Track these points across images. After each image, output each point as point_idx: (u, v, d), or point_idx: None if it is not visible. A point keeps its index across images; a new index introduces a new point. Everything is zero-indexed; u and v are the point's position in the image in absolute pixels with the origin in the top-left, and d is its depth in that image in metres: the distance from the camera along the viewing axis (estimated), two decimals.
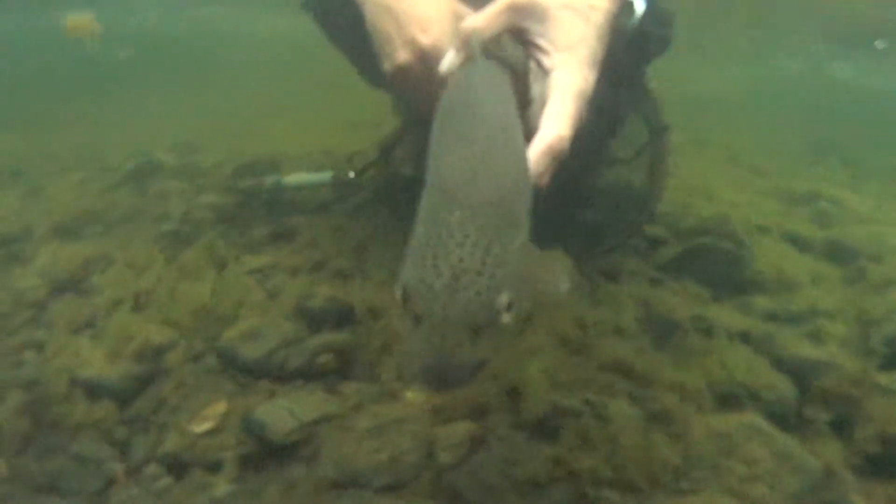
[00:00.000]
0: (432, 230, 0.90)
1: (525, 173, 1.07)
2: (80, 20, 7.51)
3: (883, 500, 1.63)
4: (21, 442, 1.75)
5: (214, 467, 1.65)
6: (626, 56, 1.95)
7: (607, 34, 1.34)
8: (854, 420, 1.84)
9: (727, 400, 1.89)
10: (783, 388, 1.92)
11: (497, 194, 0.93)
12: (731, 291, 2.50)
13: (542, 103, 1.22)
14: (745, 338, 2.17)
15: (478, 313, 0.83)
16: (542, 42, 1.29)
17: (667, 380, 1.89)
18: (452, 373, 0.84)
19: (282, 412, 1.73)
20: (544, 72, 1.27)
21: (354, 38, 1.69)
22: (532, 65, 1.33)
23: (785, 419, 1.84)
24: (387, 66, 1.48)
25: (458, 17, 1.38)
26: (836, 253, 3.03)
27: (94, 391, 1.90)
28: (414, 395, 1.79)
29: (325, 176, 3.02)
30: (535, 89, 1.30)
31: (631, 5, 1.51)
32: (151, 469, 1.66)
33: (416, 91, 1.44)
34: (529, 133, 1.17)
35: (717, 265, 2.58)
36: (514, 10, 1.30)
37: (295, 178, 3.09)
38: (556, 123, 1.16)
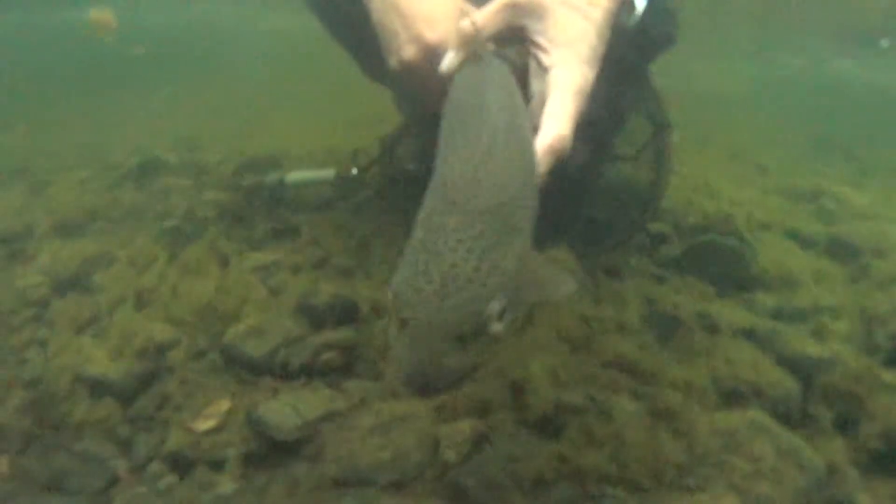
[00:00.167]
0: (429, 233, 0.90)
1: (531, 177, 1.05)
2: (101, 15, 7.52)
3: (887, 497, 1.63)
4: (24, 440, 1.75)
5: (218, 465, 1.65)
6: (628, 53, 1.94)
7: (607, 31, 1.33)
8: (858, 417, 1.84)
9: (731, 397, 1.88)
10: (787, 385, 1.92)
11: (498, 200, 0.92)
12: (734, 288, 2.50)
13: (542, 101, 1.22)
14: (749, 335, 2.17)
15: (465, 321, 0.83)
16: (540, 39, 1.28)
17: (671, 377, 1.88)
18: (435, 379, 0.83)
19: (285, 410, 1.73)
20: (543, 69, 1.26)
21: (357, 35, 1.68)
22: (531, 63, 1.32)
23: (789, 416, 1.84)
24: (393, 62, 1.47)
25: (464, 14, 1.37)
26: (840, 250, 3.02)
27: (96, 389, 1.90)
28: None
29: (328, 173, 3.02)
30: (535, 87, 1.29)
31: (632, 2, 1.50)
32: (155, 467, 1.66)
33: (422, 88, 1.43)
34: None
35: (721, 262, 2.57)
36: (512, 7, 1.29)
37: (297, 175, 3.09)
38: (556, 122, 1.16)
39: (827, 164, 5.95)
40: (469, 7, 1.45)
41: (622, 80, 2.20)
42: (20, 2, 13.78)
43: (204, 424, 1.74)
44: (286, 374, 1.93)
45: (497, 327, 0.85)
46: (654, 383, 1.86)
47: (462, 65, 1.29)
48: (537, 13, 1.28)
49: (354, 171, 2.93)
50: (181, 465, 1.66)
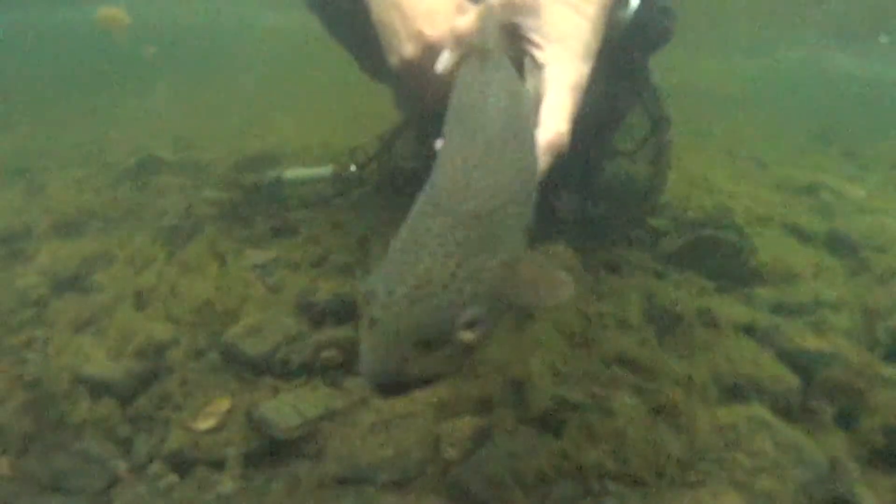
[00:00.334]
0: (411, 235, 0.89)
1: (529, 181, 1.04)
2: (111, 11, 7.48)
3: (888, 492, 1.63)
4: (24, 441, 1.75)
5: (219, 465, 1.64)
6: (626, 48, 1.94)
7: (601, 27, 1.33)
8: (859, 412, 1.84)
9: (732, 392, 1.88)
10: (788, 380, 1.92)
11: (487, 206, 0.90)
12: (734, 283, 2.50)
13: (538, 98, 1.21)
14: (749, 330, 2.17)
15: (431, 328, 0.81)
16: (534, 36, 1.28)
17: (672, 373, 1.88)
18: (396, 382, 0.82)
19: (286, 408, 1.73)
20: (538, 66, 1.26)
21: (356, 32, 1.68)
22: (525, 60, 1.32)
23: (790, 411, 1.84)
24: (393, 59, 1.47)
25: (463, 11, 1.36)
26: (839, 244, 3.02)
27: (96, 389, 1.90)
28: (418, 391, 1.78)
29: (326, 170, 3.01)
30: (529, 84, 1.29)
31: None
32: (155, 467, 1.66)
33: (422, 85, 1.43)
34: None
35: (720, 257, 2.57)
36: (506, 5, 1.29)
37: (296, 172, 3.08)
38: (554, 119, 1.16)
39: (825, 158, 5.95)
40: (468, 4, 1.44)
41: (620, 75, 2.20)
42: (20, 1, 13.78)
43: (204, 424, 1.74)
44: (286, 372, 1.92)
45: (468, 336, 0.83)
46: (655, 379, 1.86)
47: (458, 64, 1.28)
48: (530, 10, 1.28)
49: (353, 168, 2.93)
50: (181, 464, 1.66)
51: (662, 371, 1.89)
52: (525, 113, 1.15)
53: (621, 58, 2.12)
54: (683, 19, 2.32)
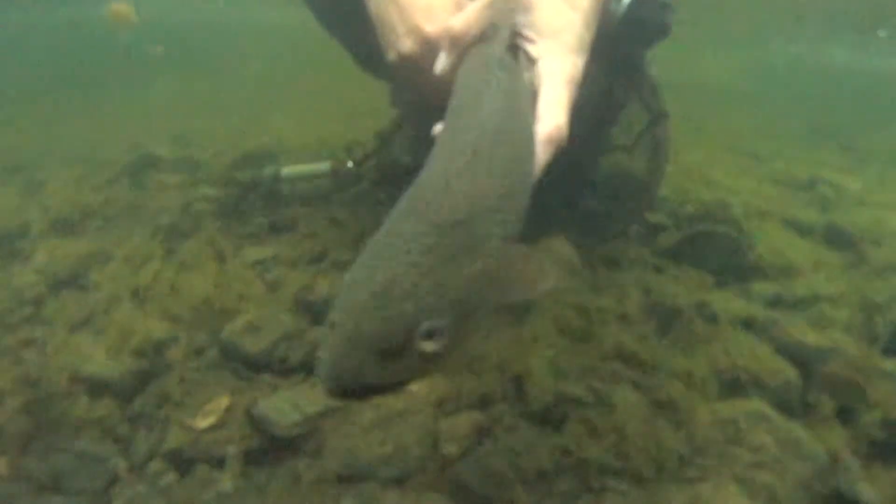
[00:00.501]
0: (385, 238, 0.87)
1: (521, 183, 1.01)
2: (119, 8, 7.45)
3: (888, 486, 1.63)
4: (23, 441, 1.74)
5: (219, 463, 1.64)
6: (623, 42, 1.93)
7: (594, 19, 1.32)
8: (858, 406, 1.84)
9: (732, 387, 1.88)
10: (787, 374, 1.92)
11: (466, 212, 0.87)
12: (732, 277, 2.50)
13: (534, 93, 1.21)
14: (748, 324, 2.17)
15: (388, 336, 0.79)
16: (527, 31, 1.27)
17: (671, 367, 1.88)
18: (350, 388, 0.80)
19: (285, 406, 1.72)
20: (531, 61, 1.25)
21: (353, 28, 1.67)
22: (519, 55, 1.32)
23: (790, 406, 1.84)
24: (391, 55, 1.46)
25: (461, 6, 1.36)
26: (837, 237, 3.02)
27: (95, 388, 1.89)
28: (418, 387, 1.78)
29: (324, 166, 3.01)
30: (525, 79, 1.29)
31: None
32: (155, 465, 1.66)
33: (420, 80, 1.42)
34: None
35: (719, 251, 2.57)
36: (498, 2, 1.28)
37: (293, 169, 3.08)
38: (552, 112, 1.15)
39: (824, 152, 5.95)
40: (466, 0, 1.43)
41: (618, 69, 2.20)
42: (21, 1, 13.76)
43: (203, 422, 1.73)
44: (285, 369, 1.92)
45: (429, 347, 0.80)
46: (655, 374, 1.86)
47: (458, 63, 1.28)
48: (523, 5, 1.27)
49: (350, 164, 2.93)
50: (181, 463, 1.66)
51: (662, 366, 1.89)
52: (523, 114, 1.13)
53: (619, 52, 2.12)
54: (682, 13, 2.31)
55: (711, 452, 1.62)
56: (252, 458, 1.66)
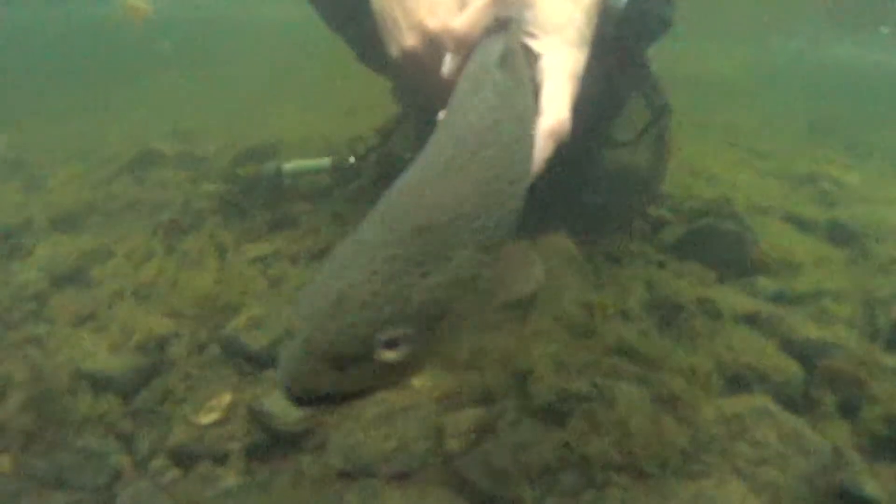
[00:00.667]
0: (352, 244, 0.86)
1: (505, 190, 0.97)
2: (135, 1, 7.42)
3: (891, 481, 1.63)
4: (26, 438, 1.74)
5: (222, 459, 1.64)
6: (624, 37, 1.93)
7: (595, 13, 1.31)
8: (861, 401, 1.84)
9: (735, 382, 1.88)
10: (791, 370, 1.91)
11: (432, 219, 0.85)
12: (735, 273, 2.49)
13: (536, 88, 1.20)
14: (751, 320, 2.16)
15: (344, 345, 0.78)
16: (528, 27, 1.27)
17: (674, 363, 1.88)
18: (304, 399, 0.80)
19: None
20: (534, 57, 1.25)
21: (356, 23, 1.67)
22: (524, 51, 1.31)
23: (793, 401, 1.84)
24: (394, 50, 1.45)
25: (464, 2, 1.35)
26: (839, 233, 3.02)
27: (98, 384, 1.89)
28: (421, 382, 1.78)
29: (325, 162, 3.01)
30: (527, 75, 1.28)
31: None
32: (158, 462, 1.66)
33: (422, 76, 1.42)
34: None
35: (721, 247, 2.57)
36: (499, 0, 1.27)
37: (295, 164, 3.07)
38: (555, 106, 1.15)
39: (825, 148, 5.93)
40: None
41: (620, 64, 2.19)
42: None
43: (206, 418, 1.74)
44: None
45: (389, 356, 0.79)
46: (658, 370, 1.86)
47: (460, 66, 1.27)
48: (524, 2, 1.27)
49: (352, 159, 2.92)
50: (184, 459, 1.66)
51: (665, 361, 1.89)
52: (520, 114, 1.10)
53: (620, 47, 2.11)
54: (683, 8, 2.30)
55: (715, 448, 1.62)
56: (255, 455, 1.66)
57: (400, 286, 0.80)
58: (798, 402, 1.85)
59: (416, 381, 1.79)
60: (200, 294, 2.23)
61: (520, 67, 1.18)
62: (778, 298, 2.35)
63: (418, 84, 1.45)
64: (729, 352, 1.96)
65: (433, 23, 1.34)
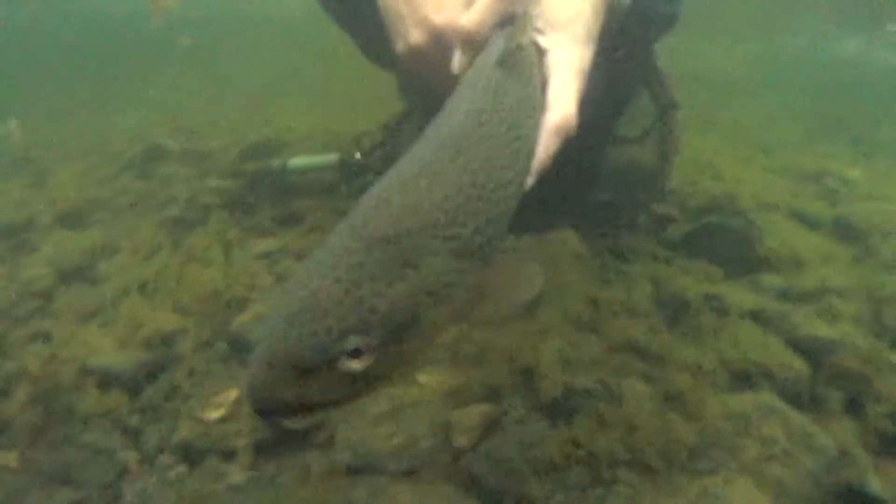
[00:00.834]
0: (320, 254, 0.85)
1: (491, 196, 0.95)
2: None
3: None
4: (32, 434, 1.75)
5: (229, 455, 1.64)
6: (631, 33, 1.92)
7: (602, 10, 1.31)
8: (867, 399, 1.83)
9: (741, 379, 1.88)
10: (797, 367, 1.91)
11: (398, 228, 0.84)
12: (741, 270, 2.49)
13: (543, 83, 1.20)
14: (757, 317, 2.16)
15: (305, 355, 0.77)
16: (537, 23, 1.27)
17: (680, 359, 1.88)
18: (266, 409, 0.79)
19: None
20: (541, 52, 1.25)
21: (362, 19, 1.66)
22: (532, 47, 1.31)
23: (799, 398, 1.84)
24: (399, 46, 1.45)
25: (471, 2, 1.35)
26: (846, 230, 3.01)
27: (104, 380, 1.90)
28: (428, 379, 1.78)
29: (331, 158, 3.01)
30: (533, 73, 1.28)
31: None
32: (165, 458, 1.66)
33: (428, 72, 1.42)
34: None
35: (727, 243, 2.56)
36: None
37: (300, 160, 3.07)
38: (561, 102, 1.15)
39: (831, 145, 5.91)
40: None
41: (626, 60, 2.18)
42: None
43: (213, 414, 1.74)
44: None
45: (353, 365, 0.79)
46: (664, 366, 1.85)
47: (471, 63, 1.27)
48: None
49: (358, 155, 2.92)
50: (191, 455, 1.66)
51: (671, 358, 1.88)
52: (517, 115, 1.08)
53: (627, 43, 2.11)
54: (689, 4, 2.30)
55: (721, 445, 1.62)
56: (262, 450, 1.66)
57: (364, 294, 0.79)
58: (804, 400, 1.85)
59: (423, 378, 1.79)
60: (207, 290, 2.23)
61: (525, 65, 1.18)
62: (784, 295, 2.35)
63: (424, 80, 1.45)
64: (735, 348, 1.96)
65: (439, 19, 1.34)
